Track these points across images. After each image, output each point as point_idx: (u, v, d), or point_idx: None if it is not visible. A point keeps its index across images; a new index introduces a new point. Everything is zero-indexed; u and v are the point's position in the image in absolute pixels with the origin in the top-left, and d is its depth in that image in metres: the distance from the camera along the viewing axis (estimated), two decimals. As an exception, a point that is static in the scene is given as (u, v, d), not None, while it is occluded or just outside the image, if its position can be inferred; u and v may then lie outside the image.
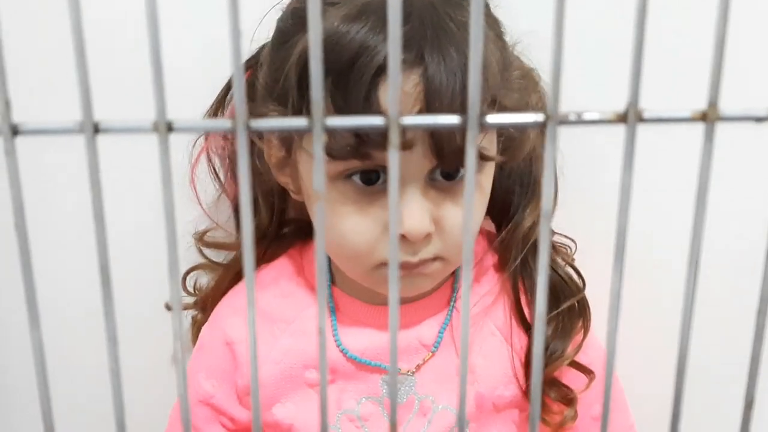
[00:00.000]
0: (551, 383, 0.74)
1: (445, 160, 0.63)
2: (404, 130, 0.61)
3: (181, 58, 0.74)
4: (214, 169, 0.80)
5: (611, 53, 0.75)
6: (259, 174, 0.76)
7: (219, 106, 0.78)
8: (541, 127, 0.28)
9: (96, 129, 0.25)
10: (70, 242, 0.84)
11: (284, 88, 0.64)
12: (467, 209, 0.28)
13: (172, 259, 0.26)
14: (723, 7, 0.27)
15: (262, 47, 0.75)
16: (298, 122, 0.27)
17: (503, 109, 0.64)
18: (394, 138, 0.28)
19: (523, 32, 0.71)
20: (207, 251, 0.83)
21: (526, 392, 0.75)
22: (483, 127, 0.28)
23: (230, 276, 0.81)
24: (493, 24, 0.68)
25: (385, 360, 0.75)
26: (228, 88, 0.78)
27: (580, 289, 0.76)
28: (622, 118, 0.28)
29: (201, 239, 0.82)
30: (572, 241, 0.79)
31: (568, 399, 0.74)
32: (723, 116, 0.28)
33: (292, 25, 0.66)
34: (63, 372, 0.84)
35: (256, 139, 0.70)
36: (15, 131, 0.25)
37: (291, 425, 0.76)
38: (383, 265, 0.67)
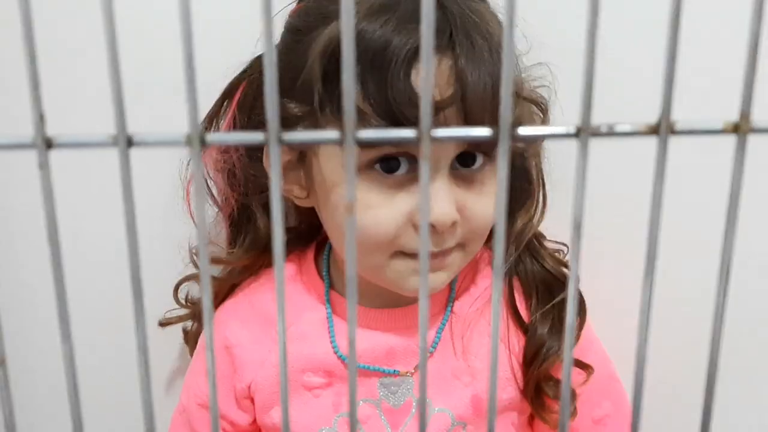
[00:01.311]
0: (549, 381, 0.74)
1: (478, 144, 0.64)
2: (438, 109, 0.62)
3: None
4: (207, 185, 0.79)
5: (630, 65, 0.75)
6: (258, 184, 0.76)
7: (214, 117, 0.77)
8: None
9: (129, 142, 0.25)
10: (82, 253, 0.84)
11: (306, 84, 0.63)
12: (499, 215, 0.28)
13: (203, 265, 0.26)
14: (755, 18, 0.27)
15: (257, 58, 0.75)
16: (330, 135, 0.27)
17: (517, 117, 0.65)
18: (426, 150, 0.27)
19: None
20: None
21: (524, 393, 0.75)
22: (515, 138, 0.27)
23: (226, 288, 0.81)
24: (495, 14, 0.69)
25: (381, 363, 0.75)
26: (223, 98, 0.77)
27: None
28: (654, 130, 0.28)
29: (198, 254, 0.82)
30: (564, 245, 0.80)
31: None
32: (756, 128, 0.28)
33: (313, 20, 0.66)
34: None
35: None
36: (49, 144, 0.25)
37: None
38: (400, 254, 0.67)
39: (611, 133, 0.28)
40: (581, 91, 0.28)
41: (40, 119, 0.24)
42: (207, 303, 0.27)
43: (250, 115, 0.75)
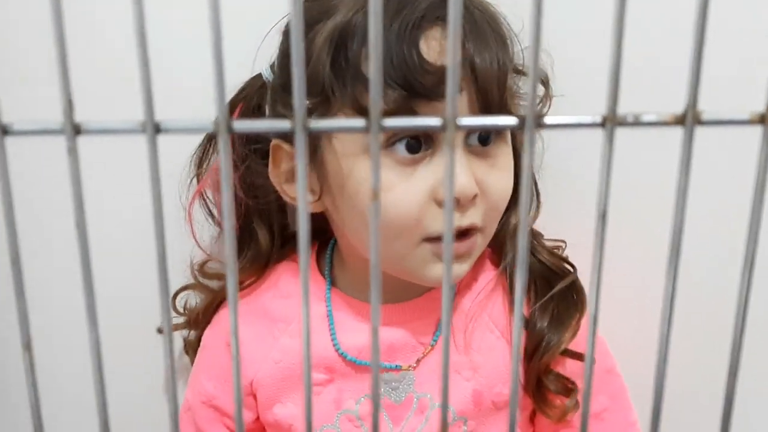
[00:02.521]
0: (549, 374, 0.74)
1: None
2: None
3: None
4: (209, 208, 0.80)
5: (653, 55, 0.75)
6: (254, 196, 0.76)
7: (213, 137, 0.78)
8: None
9: (157, 129, 0.25)
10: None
11: (313, 75, 0.64)
12: (524, 204, 0.28)
13: (230, 256, 0.26)
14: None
15: (253, 79, 0.76)
16: (356, 123, 0.27)
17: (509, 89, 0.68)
18: (450, 138, 0.27)
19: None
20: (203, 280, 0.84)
21: (525, 388, 0.75)
22: (540, 127, 0.27)
23: (221, 298, 0.82)
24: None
25: (383, 358, 0.75)
26: (233, 103, 0.77)
27: (569, 271, 0.77)
28: (680, 120, 0.28)
29: (201, 269, 0.83)
30: (563, 242, 0.81)
31: (568, 389, 0.74)
32: (782, 119, 0.28)
33: (316, 15, 0.66)
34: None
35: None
36: (77, 130, 0.25)
37: (291, 425, 0.76)
38: (425, 242, 0.67)
39: (637, 123, 0.28)
40: (607, 80, 0.28)
41: (69, 105, 0.24)
42: (231, 289, 0.27)
43: (248, 134, 0.75)
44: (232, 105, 0.77)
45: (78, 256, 0.27)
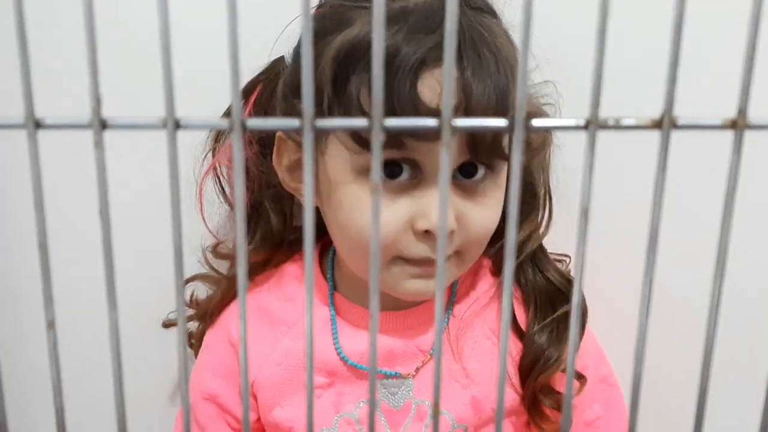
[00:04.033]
0: (545, 391, 0.75)
1: (479, 154, 0.66)
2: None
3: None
4: (221, 185, 0.81)
5: (635, 63, 0.77)
6: (266, 181, 0.77)
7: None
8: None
9: (177, 125, 0.27)
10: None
11: (318, 87, 0.64)
12: (512, 206, 0.30)
13: (240, 239, 0.28)
14: (753, 20, 0.29)
15: (275, 61, 0.78)
16: (360, 122, 0.29)
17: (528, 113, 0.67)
18: (447, 138, 0.30)
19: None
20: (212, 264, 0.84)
21: (522, 401, 0.76)
22: (529, 129, 0.30)
23: (234, 289, 0.82)
24: (506, 31, 0.70)
25: (382, 365, 0.76)
26: (244, 93, 0.78)
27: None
28: (658, 124, 0.30)
29: (215, 250, 0.83)
30: (567, 256, 0.81)
31: (562, 405, 0.75)
32: (752, 124, 0.30)
33: (329, 24, 0.66)
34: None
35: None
36: (104, 125, 0.27)
37: (291, 428, 0.76)
38: (398, 258, 0.68)
39: (618, 126, 0.30)
40: (590, 86, 0.30)
41: (97, 101, 0.27)
42: (241, 275, 0.29)
43: (266, 114, 0.77)
44: (253, 85, 0.78)
45: (101, 244, 0.29)
